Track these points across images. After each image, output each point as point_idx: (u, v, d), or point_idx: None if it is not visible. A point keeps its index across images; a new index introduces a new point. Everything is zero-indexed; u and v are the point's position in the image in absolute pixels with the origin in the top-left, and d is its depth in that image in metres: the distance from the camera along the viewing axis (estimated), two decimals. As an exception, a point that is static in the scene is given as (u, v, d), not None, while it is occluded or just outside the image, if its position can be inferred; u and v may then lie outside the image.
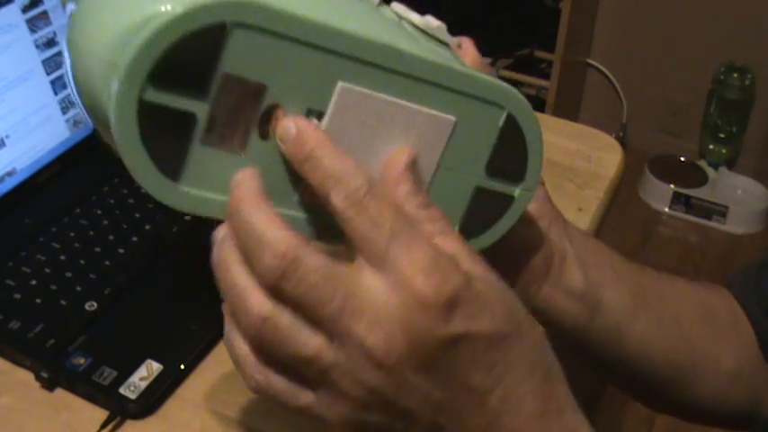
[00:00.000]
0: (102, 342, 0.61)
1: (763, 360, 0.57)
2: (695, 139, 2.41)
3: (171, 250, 0.69)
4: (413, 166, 0.38)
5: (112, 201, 0.74)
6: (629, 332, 0.52)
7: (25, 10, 0.73)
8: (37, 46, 0.74)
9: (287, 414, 0.52)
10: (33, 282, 0.65)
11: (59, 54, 0.76)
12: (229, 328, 0.36)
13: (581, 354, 0.55)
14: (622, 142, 1.71)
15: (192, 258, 0.69)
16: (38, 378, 0.58)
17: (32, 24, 0.73)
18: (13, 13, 0.72)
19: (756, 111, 2.32)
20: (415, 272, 0.33)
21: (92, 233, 0.70)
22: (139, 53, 0.31)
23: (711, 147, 2.35)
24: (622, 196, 2.14)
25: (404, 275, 0.33)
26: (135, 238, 0.70)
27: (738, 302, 0.57)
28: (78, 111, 0.79)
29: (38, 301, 0.64)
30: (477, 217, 0.42)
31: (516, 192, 0.42)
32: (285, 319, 0.34)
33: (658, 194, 2.31)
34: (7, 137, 0.72)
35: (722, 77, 2.25)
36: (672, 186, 2.28)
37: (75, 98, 0.38)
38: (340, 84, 0.35)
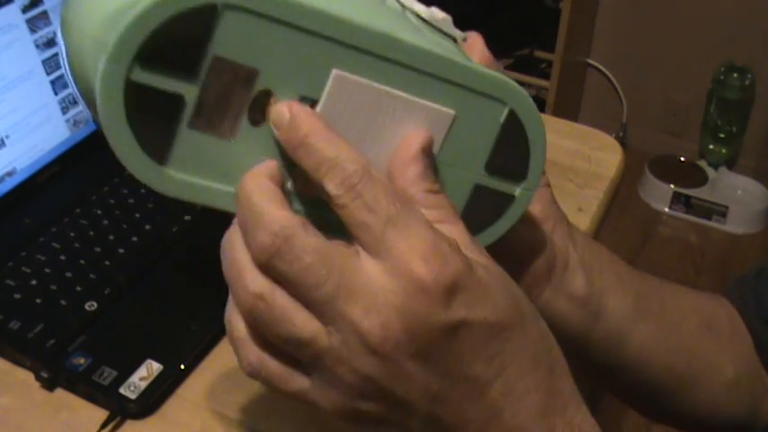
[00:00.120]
0: (102, 342, 0.61)
1: (761, 369, 0.56)
2: (695, 139, 2.41)
3: (171, 250, 0.70)
4: (428, 150, 0.37)
5: (112, 201, 0.74)
6: (629, 339, 0.52)
7: (25, 10, 0.73)
8: (37, 46, 0.74)
9: (287, 414, 0.52)
10: (33, 282, 0.65)
11: (59, 54, 0.76)
12: (230, 307, 0.36)
13: (581, 360, 0.54)
14: (622, 142, 1.71)
15: (192, 258, 0.70)
16: (38, 378, 0.58)
17: (32, 24, 0.73)
18: (13, 13, 0.72)
19: (756, 111, 2.32)
20: (414, 257, 0.32)
21: (92, 233, 0.70)
22: (127, 31, 0.31)
23: (711, 147, 2.35)
24: (622, 196, 2.15)
25: (401, 260, 0.32)
26: (135, 238, 0.70)
27: (737, 311, 0.57)
28: (78, 111, 0.79)
29: (38, 301, 0.64)
30: (475, 215, 0.41)
31: (517, 191, 0.41)
32: (280, 299, 0.33)
33: (658, 194, 2.31)
34: (7, 137, 0.72)
35: (722, 77, 2.26)
36: (672, 186, 2.28)
37: (70, 82, 0.38)
38: (334, 71, 0.35)
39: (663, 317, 0.54)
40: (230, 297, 0.36)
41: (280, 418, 0.56)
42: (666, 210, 2.30)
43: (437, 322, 0.32)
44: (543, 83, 2.30)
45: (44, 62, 0.75)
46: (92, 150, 0.79)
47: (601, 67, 2.49)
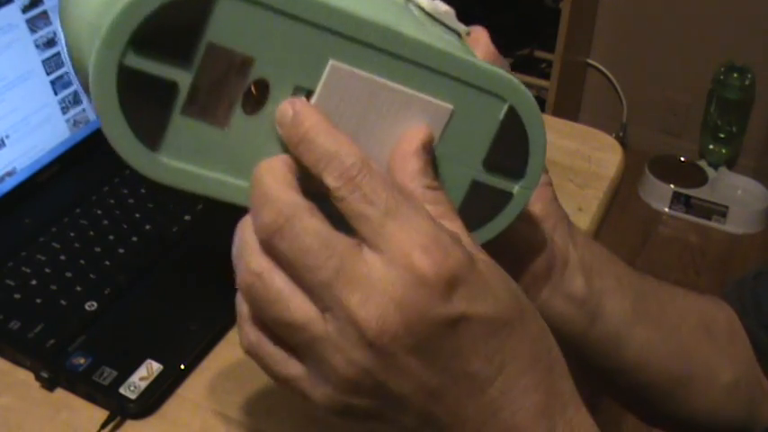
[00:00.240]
0: (102, 342, 0.61)
1: (759, 372, 0.56)
2: (695, 139, 2.41)
3: (171, 250, 0.69)
4: (428, 147, 0.37)
5: (112, 201, 0.74)
6: (627, 341, 0.51)
7: (25, 10, 0.73)
8: (37, 46, 0.74)
9: (287, 414, 0.52)
10: (33, 282, 0.65)
11: (59, 54, 0.76)
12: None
13: (578, 362, 0.54)
14: (622, 142, 1.71)
15: (192, 258, 0.70)
16: (38, 378, 0.58)
17: (32, 24, 0.73)
18: (13, 13, 0.72)
19: (756, 111, 2.32)
20: (414, 248, 0.32)
21: (92, 233, 0.70)
22: (121, 16, 0.31)
23: (711, 147, 2.35)
24: (622, 196, 2.15)
25: (401, 252, 0.32)
26: (135, 238, 0.70)
27: (736, 314, 0.57)
28: (78, 111, 0.79)
29: (38, 301, 0.64)
30: (473, 211, 0.40)
31: (515, 189, 0.41)
32: (278, 280, 0.33)
33: (658, 194, 2.31)
34: (7, 137, 0.72)
35: (722, 77, 2.26)
36: (672, 186, 2.29)
37: (71, 71, 0.37)
38: (331, 62, 0.34)
39: (661, 319, 0.53)
40: None
41: (280, 418, 0.56)
42: (666, 210, 2.30)
43: (437, 316, 0.32)
44: (543, 83, 2.30)
45: (44, 62, 0.75)
46: (92, 150, 0.79)
47: (601, 67, 2.49)
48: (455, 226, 0.35)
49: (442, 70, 0.36)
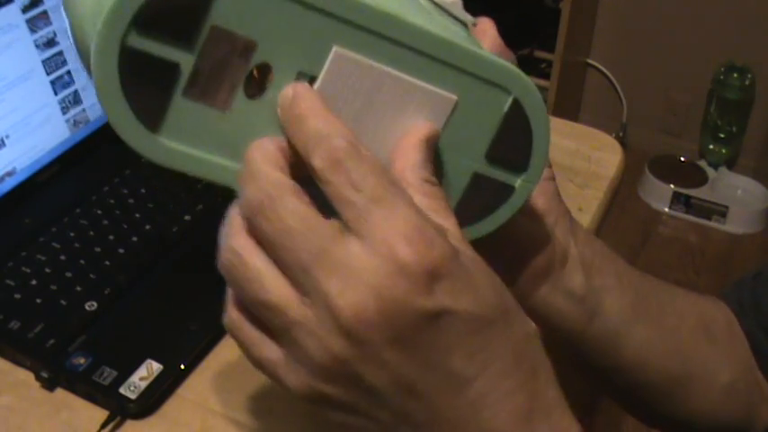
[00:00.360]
0: (102, 342, 0.61)
1: (758, 373, 0.56)
2: (695, 139, 2.41)
3: (171, 250, 0.69)
4: (431, 142, 0.36)
5: (112, 201, 0.74)
6: (626, 340, 0.51)
7: (25, 10, 0.73)
8: (37, 46, 0.74)
9: (287, 414, 0.52)
10: (33, 282, 0.65)
11: (59, 54, 0.76)
12: None
13: (576, 360, 0.54)
14: (622, 142, 1.71)
15: (192, 258, 0.70)
16: (38, 378, 0.58)
17: (32, 24, 0.73)
18: (13, 13, 0.72)
19: (756, 111, 2.32)
20: (397, 237, 0.31)
21: (92, 233, 0.70)
22: None
23: (711, 147, 2.35)
24: (622, 196, 2.15)
25: (384, 240, 0.31)
26: (135, 238, 0.70)
27: (734, 315, 0.57)
28: (78, 111, 0.79)
29: (38, 301, 0.64)
30: (473, 203, 0.40)
31: (517, 182, 0.40)
32: (257, 259, 0.32)
33: (658, 194, 2.31)
34: (7, 137, 0.72)
35: (722, 77, 2.26)
36: (672, 186, 2.28)
37: (77, 54, 0.37)
38: (335, 48, 0.34)
39: (661, 319, 0.53)
40: None
41: (280, 417, 0.56)
42: (666, 210, 2.30)
43: (417, 307, 0.31)
44: (543, 83, 2.29)
45: (44, 62, 0.75)
46: (92, 150, 0.79)
47: (601, 67, 2.49)
48: (449, 223, 0.34)
49: (447, 60, 0.36)
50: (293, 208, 0.31)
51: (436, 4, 0.41)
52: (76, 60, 0.77)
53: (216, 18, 0.32)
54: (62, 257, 0.68)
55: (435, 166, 0.38)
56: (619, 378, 0.54)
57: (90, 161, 0.79)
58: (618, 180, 0.86)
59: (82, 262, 0.67)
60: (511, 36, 0.44)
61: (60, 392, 0.58)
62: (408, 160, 0.35)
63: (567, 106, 2.44)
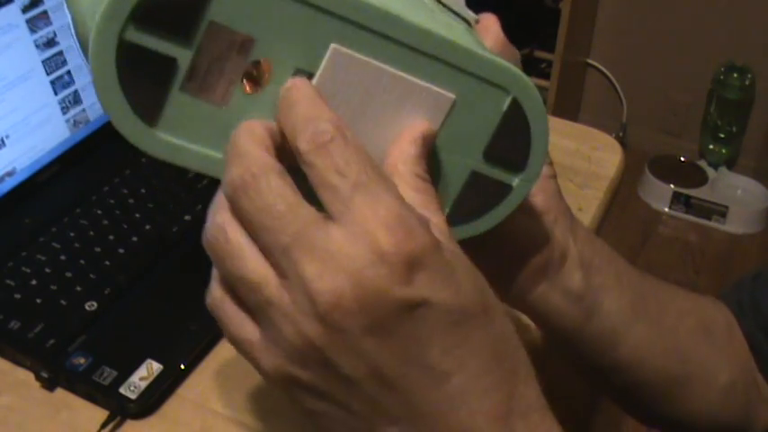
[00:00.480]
0: (102, 342, 0.61)
1: (757, 374, 0.56)
2: (695, 139, 2.41)
3: (171, 250, 0.70)
4: (428, 140, 0.36)
5: (112, 201, 0.74)
6: (625, 339, 0.51)
7: (25, 10, 0.73)
8: (37, 46, 0.74)
9: (287, 414, 0.52)
10: (33, 282, 0.65)
11: (59, 54, 0.76)
12: None
13: (574, 359, 0.54)
14: (622, 142, 1.72)
15: (192, 258, 0.70)
16: (38, 378, 0.58)
17: (32, 24, 0.73)
18: (13, 13, 0.72)
19: (756, 111, 2.32)
20: (378, 224, 0.30)
21: (92, 233, 0.70)
22: None
23: (711, 147, 2.35)
24: (622, 196, 2.15)
25: (364, 227, 0.30)
26: (135, 238, 0.70)
27: (734, 315, 0.57)
28: (78, 111, 0.79)
29: (38, 301, 0.64)
30: (470, 201, 0.40)
31: (515, 181, 0.40)
32: (239, 235, 0.32)
33: (658, 194, 2.31)
34: (7, 137, 0.72)
35: (722, 77, 2.26)
36: (672, 186, 2.29)
37: (79, 47, 0.37)
38: (333, 46, 0.34)
39: (660, 319, 0.53)
40: None
41: (280, 417, 0.56)
42: (666, 210, 2.30)
43: (394, 297, 0.30)
44: (543, 83, 2.29)
45: (44, 62, 0.75)
46: (92, 150, 0.79)
47: (601, 67, 2.49)
48: (437, 219, 0.34)
49: (446, 59, 0.36)
50: (275, 187, 0.31)
51: (438, 1, 0.41)
52: (77, 60, 0.78)
53: (214, 14, 0.32)
54: (62, 257, 0.68)
55: (432, 163, 0.38)
56: (617, 377, 0.54)
57: (90, 161, 0.79)
58: (618, 180, 0.86)
59: (82, 262, 0.67)
60: (511, 36, 0.43)
61: (60, 392, 0.59)
62: (402, 154, 0.35)
63: (567, 106, 2.44)
